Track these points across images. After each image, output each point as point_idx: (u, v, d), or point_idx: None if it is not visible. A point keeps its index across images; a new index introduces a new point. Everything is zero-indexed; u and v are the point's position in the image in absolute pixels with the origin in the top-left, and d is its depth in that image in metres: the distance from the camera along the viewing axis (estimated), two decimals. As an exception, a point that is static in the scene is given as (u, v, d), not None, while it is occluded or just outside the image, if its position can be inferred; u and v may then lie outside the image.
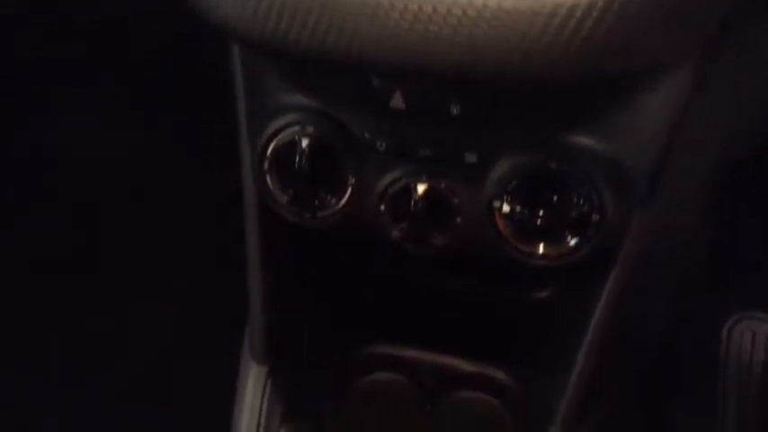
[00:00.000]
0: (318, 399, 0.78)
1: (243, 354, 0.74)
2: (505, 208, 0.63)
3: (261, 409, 0.71)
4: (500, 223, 0.64)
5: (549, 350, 0.78)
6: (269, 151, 0.66)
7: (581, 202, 0.62)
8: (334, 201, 0.67)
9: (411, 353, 0.83)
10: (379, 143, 0.64)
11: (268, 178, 0.67)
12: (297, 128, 0.64)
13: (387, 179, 0.66)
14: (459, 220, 0.65)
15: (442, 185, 0.65)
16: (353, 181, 0.66)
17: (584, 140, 0.61)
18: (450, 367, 0.83)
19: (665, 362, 0.89)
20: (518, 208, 0.63)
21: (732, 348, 1.05)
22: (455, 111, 0.60)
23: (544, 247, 0.63)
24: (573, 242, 0.63)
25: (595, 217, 0.62)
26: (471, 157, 0.63)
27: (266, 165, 0.67)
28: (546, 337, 0.78)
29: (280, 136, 0.65)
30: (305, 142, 0.64)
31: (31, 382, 1.11)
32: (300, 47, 0.55)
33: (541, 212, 0.63)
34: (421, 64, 0.54)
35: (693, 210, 0.71)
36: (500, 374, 0.82)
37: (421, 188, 0.65)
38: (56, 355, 1.14)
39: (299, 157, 0.66)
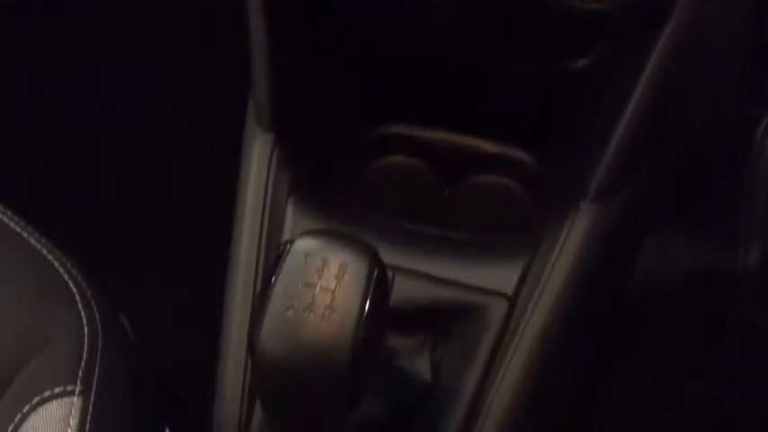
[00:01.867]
0: (328, 175, 0.72)
1: (248, 119, 0.67)
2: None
3: (267, 178, 0.65)
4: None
5: (582, 127, 0.71)
6: None
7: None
8: None
9: (429, 133, 0.76)
10: None
11: None
12: None
13: None
14: None
15: None
16: None
17: None
18: (472, 149, 0.76)
19: (694, 153, 0.82)
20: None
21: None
22: None
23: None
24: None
25: None
26: None
27: None
28: (579, 114, 0.71)
29: None
30: None
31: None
32: None
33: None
34: None
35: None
36: (525, 156, 0.75)
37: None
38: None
39: None
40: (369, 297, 0.47)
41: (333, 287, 0.46)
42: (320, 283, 0.46)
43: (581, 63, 0.71)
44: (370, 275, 0.47)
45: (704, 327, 0.97)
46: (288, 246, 0.48)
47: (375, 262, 0.48)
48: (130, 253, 1.03)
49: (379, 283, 0.48)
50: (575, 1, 0.57)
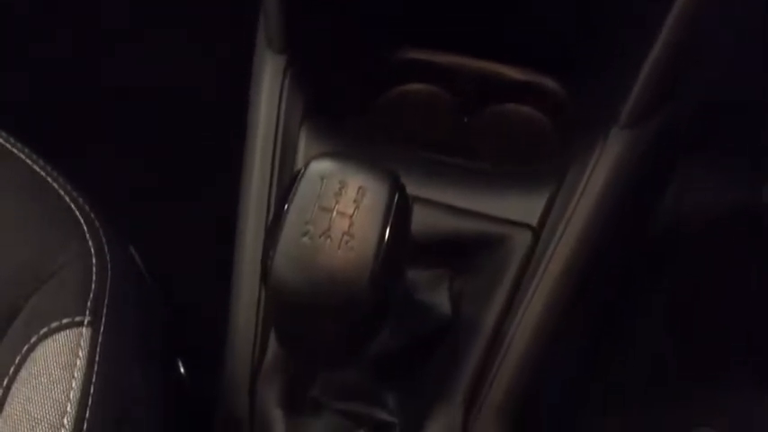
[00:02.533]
0: (343, 101, 0.68)
1: (258, 40, 0.64)
2: None
3: (280, 103, 0.62)
4: None
5: (614, 51, 0.67)
6: None
7: None
8: None
9: (449, 58, 0.73)
10: None
11: None
12: None
13: None
14: None
15: None
16: None
17: None
18: (493, 75, 0.73)
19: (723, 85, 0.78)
20: None
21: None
22: None
23: None
24: None
25: None
26: None
27: None
28: (611, 36, 0.67)
29: None
30: None
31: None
32: None
33: None
34: None
35: None
36: (552, 84, 0.72)
37: None
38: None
39: None
40: (390, 223, 0.44)
41: (351, 212, 0.43)
42: (337, 208, 0.43)
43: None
44: (390, 199, 0.44)
45: (727, 265, 0.95)
46: (303, 168, 0.45)
47: (396, 185, 0.45)
48: (140, 191, 1.01)
49: (400, 208, 0.45)
50: None
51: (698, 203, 0.92)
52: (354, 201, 0.43)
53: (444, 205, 0.63)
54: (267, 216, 0.60)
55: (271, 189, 0.61)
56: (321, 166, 0.45)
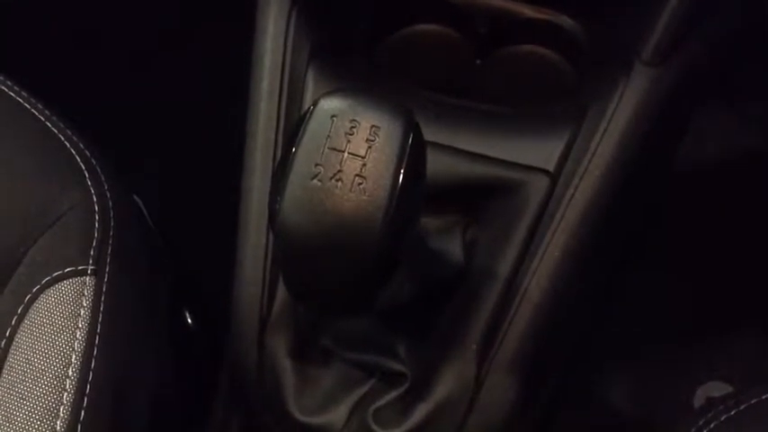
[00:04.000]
0: (351, 42, 0.66)
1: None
2: None
3: (285, 43, 0.60)
4: None
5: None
6: None
7: None
8: None
9: None
10: None
11: None
12: None
13: None
14: None
15: None
16: None
17: None
18: (506, 13, 0.70)
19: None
20: None
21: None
22: None
23: None
24: None
25: None
26: None
27: None
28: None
29: None
30: None
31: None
32: None
33: None
34: None
35: None
36: (568, 21, 0.69)
37: None
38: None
39: None
40: (404, 164, 0.42)
41: (363, 153, 0.41)
42: (349, 148, 0.41)
43: None
44: (405, 139, 0.42)
45: (740, 209, 0.93)
46: (311, 106, 0.43)
47: (411, 123, 0.43)
48: (142, 134, 0.99)
49: (415, 149, 0.43)
50: None
51: (713, 149, 0.90)
52: (367, 140, 0.41)
53: (457, 150, 0.61)
54: (274, 158, 0.58)
55: (278, 131, 0.59)
56: (331, 104, 0.42)
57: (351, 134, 0.41)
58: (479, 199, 0.59)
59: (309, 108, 0.43)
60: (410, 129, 0.42)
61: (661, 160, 0.72)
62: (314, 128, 0.42)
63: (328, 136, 0.41)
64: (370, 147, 0.41)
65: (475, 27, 0.71)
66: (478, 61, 0.72)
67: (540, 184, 0.58)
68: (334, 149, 0.41)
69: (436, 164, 0.57)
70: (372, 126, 0.41)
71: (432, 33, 0.72)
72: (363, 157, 0.41)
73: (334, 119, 0.42)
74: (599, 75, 0.62)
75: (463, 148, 0.60)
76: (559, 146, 0.59)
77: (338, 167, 0.41)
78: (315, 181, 0.41)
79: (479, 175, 0.60)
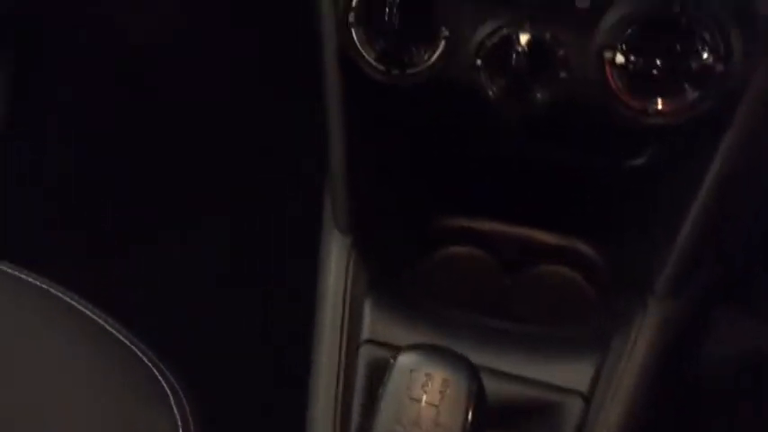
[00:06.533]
0: (400, 269, 0.75)
1: (325, 223, 0.70)
2: (619, 58, 0.58)
3: (346, 279, 0.68)
4: (611, 76, 0.59)
5: (648, 220, 0.73)
6: (354, 1, 0.61)
7: (705, 49, 0.56)
8: (425, 55, 0.62)
9: (493, 225, 0.79)
10: None
11: (354, 32, 0.62)
12: None
13: (485, 29, 0.60)
14: (563, 74, 0.60)
15: (547, 35, 0.59)
16: (447, 33, 0.61)
17: (712, -22, 0.55)
18: (533, 240, 0.79)
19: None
20: (633, 58, 0.57)
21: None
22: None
23: (661, 103, 0.58)
24: (693, 96, 0.58)
25: (719, 67, 0.57)
26: (583, 2, 0.58)
27: (352, 17, 0.61)
28: (644, 207, 0.74)
29: None
30: None
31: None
32: None
33: (659, 63, 0.57)
34: None
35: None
36: (586, 248, 0.78)
37: (523, 38, 0.60)
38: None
39: (389, 8, 0.60)
40: (471, 412, 0.49)
41: (437, 402, 0.49)
42: (425, 398, 0.49)
43: (640, 161, 0.74)
44: (471, 390, 0.50)
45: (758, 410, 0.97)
46: (392, 360, 0.51)
47: (475, 377, 0.51)
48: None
49: (479, 397, 0.50)
50: (635, 115, 0.60)
51: (729, 350, 0.96)
52: (440, 392, 0.49)
53: (493, 371, 0.67)
54: (337, 386, 0.65)
55: (340, 359, 0.66)
56: (409, 360, 0.51)
57: (426, 385, 0.49)
58: (519, 419, 0.66)
59: (390, 362, 0.51)
60: (475, 382, 0.51)
61: (684, 369, 0.79)
62: (396, 380, 0.50)
63: (408, 387, 0.49)
64: (442, 397, 0.49)
65: (504, 250, 0.81)
66: (508, 281, 0.81)
67: (575, 405, 0.64)
68: (413, 399, 0.49)
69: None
70: (444, 379, 0.50)
71: (465, 255, 0.81)
72: (438, 407, 0.49)
73: (413, 372, 0.50)
74: (617, 301, 0.70)
75: (503, 370, 0.67)
76: (590, 368, 0.66)
77: (417, 414, 0.49)
78: (398, 427, 0.48)
79: (518, 396, 0.66)
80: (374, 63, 0.62)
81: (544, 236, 0.80)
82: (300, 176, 0.80)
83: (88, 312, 0.69)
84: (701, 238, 0.66)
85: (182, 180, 1.11)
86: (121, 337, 0.67)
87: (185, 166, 1.10)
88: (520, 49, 0.59)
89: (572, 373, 0.66)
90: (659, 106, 0.59)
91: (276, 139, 1.06)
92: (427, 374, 0.50)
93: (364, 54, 0.62)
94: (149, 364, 0.67)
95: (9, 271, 0.68)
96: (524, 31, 0.59)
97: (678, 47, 0.57)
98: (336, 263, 0.68)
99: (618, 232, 0.76)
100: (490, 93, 0.62)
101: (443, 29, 0.61)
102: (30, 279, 0.69)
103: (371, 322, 0.67)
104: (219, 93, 1.08)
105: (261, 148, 1.10)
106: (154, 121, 1.09)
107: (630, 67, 0.57)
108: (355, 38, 0.62)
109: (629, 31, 0.57)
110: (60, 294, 0.69)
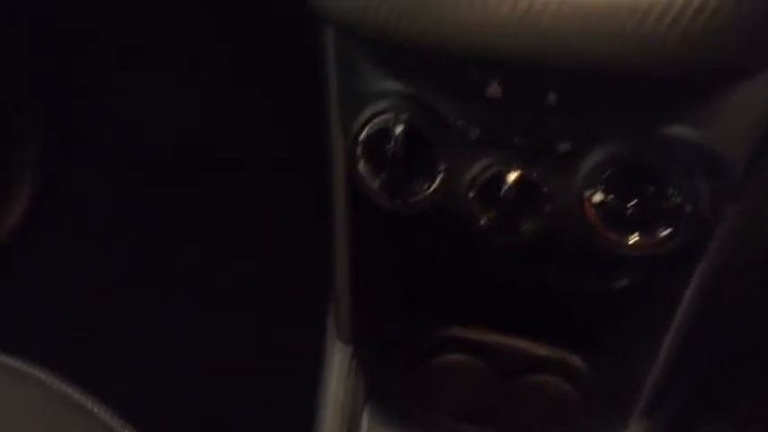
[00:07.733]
0: (398, 378, 0.79)
1: (328, 334, 0.76)
2: (597, 198, 0.64)
3: (346, 388, 0.73)
4: (590, 213, 0.64)
5: (629, 339, 0.78)
6: (362, 137, 0.67)
7: (676, 193, 0.62)
8: (425, 187, 0.68)
9: (487, 336, 0.84)
10: (472, 131, 0.65)
11: (360, 164, 0.68)
12: (391, 114, 0.65)
13: (478, 167, 0.67)
14: (548, 208, 0.66)
15: (534, 174, 0.65)
16: (444, 168, 0.67)
17: (681, 130, 0.61)
18: (526, 351, 0.84)
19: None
20: (610, 197, 0.63)
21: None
22: (552, 100, 0.61)
23: (636, 237, 0.64)
24: (664, 233, 0.63)
25: (689, 208, 0.62)
26: (565, 147, 0.64)
27: (359, 150, 0.68)
28: (625, 326, 0.79)
29: (373, 122, 0.66)
30: (399, 129, 0.65)
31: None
32: (401, 35, 0.56)
33: (633, 202, 0.63)
34: (521, 57, 0.55)
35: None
36: (576, 360, 0.83)
37: (512, 176, 0.66)
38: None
39: (393, 144, 0.67)
40: None
41: None
42: None
43: (622, 283, 0.80)
44: None
45: None
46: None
47: None
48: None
49: None
50: (613, 247, 0.66)
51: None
52: None
53: None
54: None
55: None
56: None
57: None
58: None
59: None
60: None
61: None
62: None
63: None
64: None
65: (498, 360, 0.85)
66: (502, 389, 0.85)
67: None
68: None
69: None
70: None
71: (459, 363, 0.85)
72: None
73: None
74: (602, 413, 0.75)
75: None
76: None
77: None
78: None
79: None
80: (378, 191, 0.69)
81: (535, 348, 0.84)
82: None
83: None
84: (677, 360, 0.70)
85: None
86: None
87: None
88: (508, 186, 0.65)
89: None
90: (634, 240, 0.64)
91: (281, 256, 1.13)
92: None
93: (369, 184, 0.69)
94: None
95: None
96: (513, 169, 0.65)
97: (651, 188, 0.62)
98: (338, 373, 0.73)
99: (604, 346, 0.81)
100: (482, 222, 0.68)
101: (441, 164, 0.67)
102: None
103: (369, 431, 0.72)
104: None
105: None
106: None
107: (607, 204, 0.63)
108: (361, 169, 0.69)
109: (607, 173, 0.63)
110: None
